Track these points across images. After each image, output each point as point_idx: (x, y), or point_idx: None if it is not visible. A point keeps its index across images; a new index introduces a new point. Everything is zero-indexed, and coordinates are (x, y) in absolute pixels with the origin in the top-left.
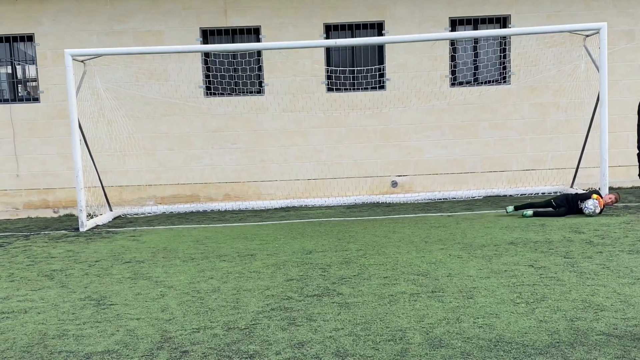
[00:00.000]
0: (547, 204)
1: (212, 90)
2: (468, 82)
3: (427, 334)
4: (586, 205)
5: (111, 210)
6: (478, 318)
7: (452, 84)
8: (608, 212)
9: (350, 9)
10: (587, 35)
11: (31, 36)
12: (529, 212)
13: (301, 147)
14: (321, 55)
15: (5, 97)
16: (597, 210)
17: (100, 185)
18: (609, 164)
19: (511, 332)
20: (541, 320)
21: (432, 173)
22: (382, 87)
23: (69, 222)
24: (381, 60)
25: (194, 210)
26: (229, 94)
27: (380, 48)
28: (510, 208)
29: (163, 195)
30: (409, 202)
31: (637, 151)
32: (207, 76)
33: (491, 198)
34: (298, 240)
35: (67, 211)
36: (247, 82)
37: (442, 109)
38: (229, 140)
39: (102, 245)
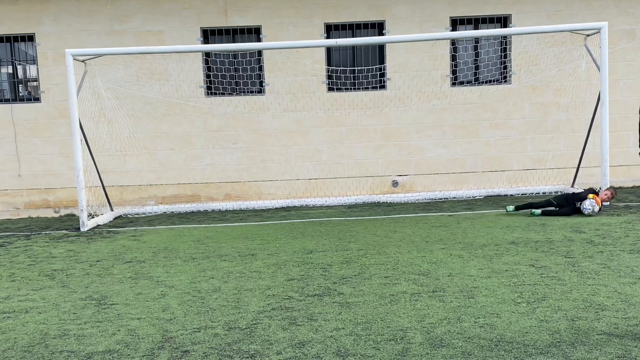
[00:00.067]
0: (547, 203)
1: (213, 90)
2: (469, 82)
3: (428, 333)
4: (584, 207)
5: (112, 210)
6: (479, 318)
7: (453, 84)
8: (609, 212)
9: (351, 8)
10: (588, 35)
11: (32, 36)
12: (538, 211)
13: (302, 146)
14: (322, 55)
15: (7, 97)
16: (596, 210)
17: (101, 185)
18: (610, 163)
19: (512, 331)
20: (542, 320)
21: (433, 173)
22: (382, 87)
23: (70, 222)
24: (382, 60)
25: (194, 210)
26: (229, 93)
27: (381, 48)
28: (511, 207)
29: (164, 195)
30: (409, 201)
31: (639, 150)
32: (207, 76)
33: (492, 198)
34: (299, 240)
35: (68, 211)
36: (247, 82)
37: (442, 108)
38: (230, 140)
39: (103, 245)
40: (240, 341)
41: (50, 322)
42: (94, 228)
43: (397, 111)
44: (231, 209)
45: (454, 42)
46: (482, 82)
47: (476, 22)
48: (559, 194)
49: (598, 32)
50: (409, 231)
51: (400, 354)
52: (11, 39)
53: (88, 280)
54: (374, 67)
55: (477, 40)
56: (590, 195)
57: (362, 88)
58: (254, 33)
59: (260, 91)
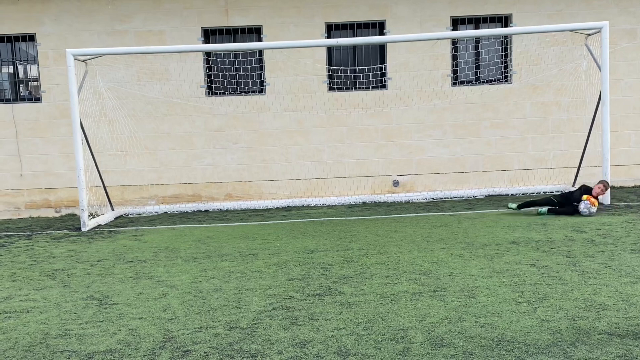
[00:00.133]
0: (547, 201)
1: (214, 90)
2: (469, 81)
3: (429, 333)
4: (580, 210)
5: (113, 209)
6: (480, 317)
7: (454, 83)
8: (610, 212)
9: (351, 8)
10: (589, 34)
11: (33, 36)
12: (544, 209)
13: (303, 146)
14: (323, 54)
15: (7, 97)
16: (593, 210)
17: (102, 184)
18: (611, 163)
19: (513, 331)
20: (543, 320)
21: (434, 172)
22: (383, 87)
23: (71, 222)
24: (383, 60)
25: (195, 210)
26: (230, 93)
27: (382, 47)
28: (513, 205)
29: (165, 195)
30: (410, 201)
31: None
32: (208, 76)
33: (493, 197)
34: (300, 239)
35: (69, 211)
36: (248, 82)
37: (443, 108)
38: (231, 140)
39: (104, 244)
40: (241, 341)
41: (52, 322)
42: (95, 228)
43: (397, 111)
44: (232, 209)
45: (454, 42)
46: (483, 82)
47: (477, 21)
48: (559, 193)
49: (599, 31)
50: (409, 231)
51: (401, 353)
52: (12, 39)
53: (89, 280)
54: (374, 66)
55: (477, 39)
56: (584, 197)
57: (363, 88)
58: (255, 33)
59: (261, 91)
